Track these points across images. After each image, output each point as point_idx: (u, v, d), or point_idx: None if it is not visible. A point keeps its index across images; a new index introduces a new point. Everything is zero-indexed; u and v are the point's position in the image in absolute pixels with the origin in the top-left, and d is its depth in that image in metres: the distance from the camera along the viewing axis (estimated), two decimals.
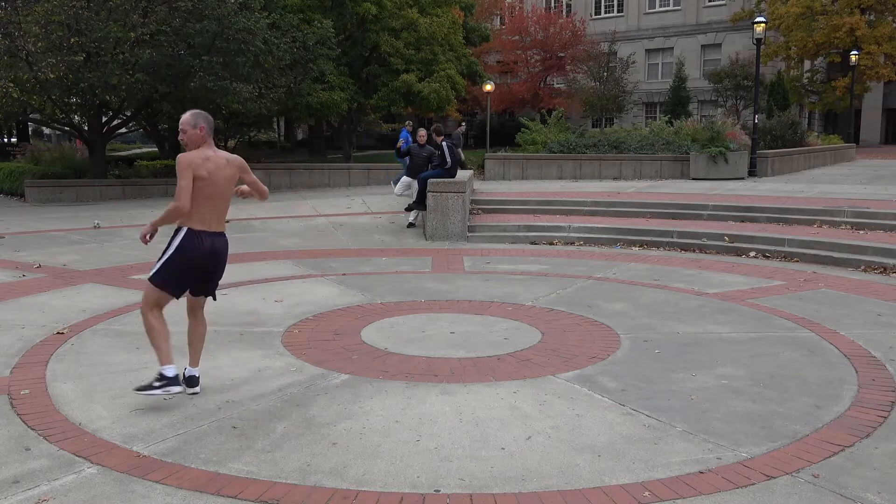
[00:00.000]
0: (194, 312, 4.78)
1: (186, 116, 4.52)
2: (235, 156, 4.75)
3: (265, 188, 4.96)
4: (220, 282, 8.37)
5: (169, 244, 4.48)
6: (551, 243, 11.71)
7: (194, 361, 4.76)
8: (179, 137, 4.55)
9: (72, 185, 18.89)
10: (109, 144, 24.34)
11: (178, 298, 4.61)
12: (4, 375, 5.12)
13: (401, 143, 17.71)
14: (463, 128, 21.32)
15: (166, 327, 4.57)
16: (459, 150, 18.20)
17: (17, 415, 4.42)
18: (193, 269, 4.52)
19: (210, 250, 4.52)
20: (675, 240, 11.28)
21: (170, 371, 4.47)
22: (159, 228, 4.55)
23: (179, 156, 4.40)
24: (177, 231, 4.48)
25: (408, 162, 13.84)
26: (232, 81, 17.38)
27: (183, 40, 16.94)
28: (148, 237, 4.52)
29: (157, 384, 4.46)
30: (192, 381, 4.69)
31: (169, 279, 4.47)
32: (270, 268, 9.38)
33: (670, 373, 5.21)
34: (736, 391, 4.83)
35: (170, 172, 22.06)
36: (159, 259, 4.50)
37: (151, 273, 4.50)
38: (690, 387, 4.92)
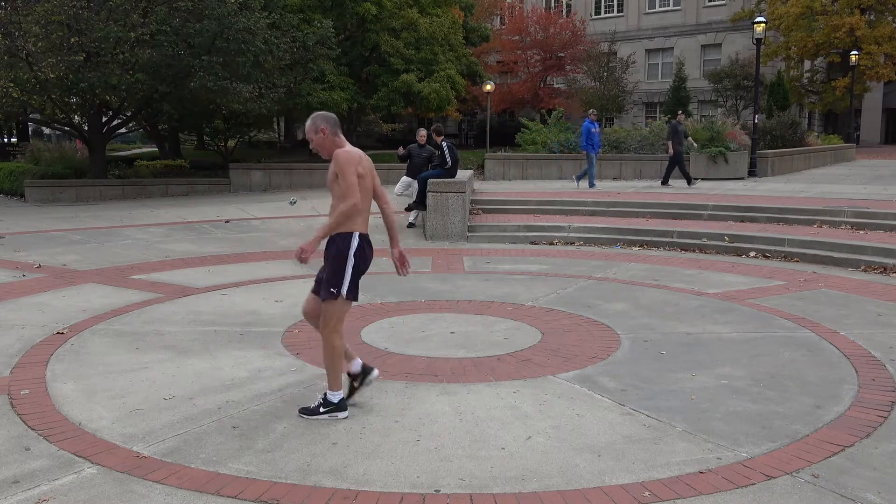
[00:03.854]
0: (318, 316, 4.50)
1: (308, 125, 4.29)
2: None
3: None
4: (221, 281, 8.42)
5: (346, 249, 4.21)
6: (551, 243, 11.71)
7: (351, 356, 4.58)
8: (312, 148, 4.34)
9: (72, 185, 18.89)
10: (109, 144, 24.33)
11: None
12: (4, 375, 5.12)
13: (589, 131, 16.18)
14: (681, 117, 16.99)
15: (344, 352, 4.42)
16: (689, 139, 16.23)
17: (17, 415, 4.41)
18: (363, 271, 4.34)
19: (371, 255, 4.38)
20: (675, 240, 11.28)
21: (337, 397, 4.35)
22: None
23: (339, 152, 4.16)
24: (341, 237, 4.22)
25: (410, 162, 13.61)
26: (232, 81, 17.39)
27: (183, 40, 16.95)
28: (306, 257, 4.11)
29: (323, 410, 4.34)
30: (367, 370, 4.57)
31: (356, 287, 4.30)
32: (270, 268, 9.38)
33: (670, 373, 5.21)
34: (736, 391, 4.83)
35: (170, 172, 22.09)
36: (341, 272, 4.20)
37: (344, 288, 4.21)
38: (690, 387, 4.92)
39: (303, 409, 4.41)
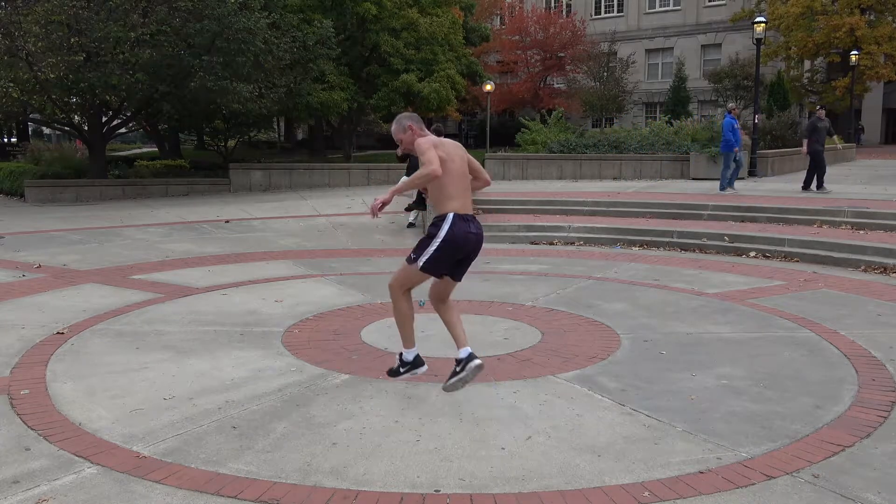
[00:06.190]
0: (443, 300, 4.58)
1: (394, 127, 4.43)
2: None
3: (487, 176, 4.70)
4: (221, 281, 8.41)
5: (438, 229, 4.28)
6: (551, 243, 11.71)
7: (463, 341, 4.49)
8: (400, 150, 4.46)
9: (72, 185, 18.90)
10: (109, 144, 24.33)
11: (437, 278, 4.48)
12: (4, 375, 5.12)
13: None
14: (822, 112, 15.15)
15: (413, 311, 4.50)
16: (834, 137, 14.41)
17: (17, 415, 4.41)
18: (457, 253, 4.35)
19: (476, 233, 4.38)
20: (675, 240, 11.28)
21: (410, 355, 4.47)
22: (393, 198, 4.34)
23: (414, 141, 4.29)
24: (441, 218, 4.30)
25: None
26: (232, 81, 17.39)
27: (183, 40, 16.95)
28: (380, 207, 4.26)
29: (402, 370, 4.49)
30: (471, 357, 4.42)
31: (436, 265, 4.33)
32: (270, 268, 9.38)
33: (670, 373, 5.21)
34: (736, 391, 4.83)
35: (170, 172, 22.10)
36: (426, 245, 4.29)
37: (421, 260, 4.29)
38: (690, 387, 4.92)
39: (389, 370, 4.57)
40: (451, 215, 4.27)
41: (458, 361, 4.41)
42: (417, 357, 4.51)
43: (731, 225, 11.82)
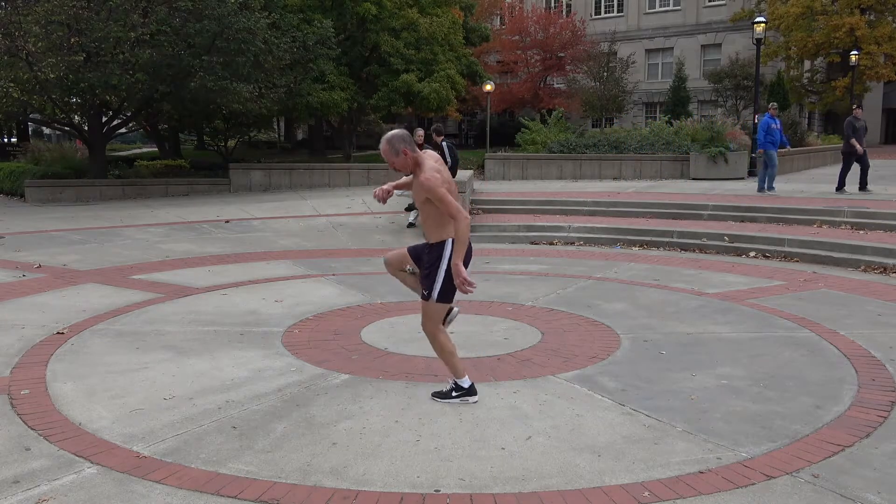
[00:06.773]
0: (401, 268, 4.77)
1: (384, 147, 4.32)
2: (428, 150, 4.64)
3: None
4: (221, 281, 8.41)
5: (439, 258, 4.39)
6: (551, 243, 11.71)
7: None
8: (392, 168, 4.40)
9: (72, 185, 18.90)
10: (109, 144, 24.33)
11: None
12: (4, 375, 5.12)
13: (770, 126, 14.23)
14: (858, 112, 14.59)
15: (453, 344, 4.64)
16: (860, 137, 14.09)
17: (17, 415, 4.41)
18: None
19: (469, 253, 4.48)
20: (675, 240, 11.28)
21: (466, 382, 4.61)
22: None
23: (424, 180, 4.22)
24: (441, 244, 4.39)
25: None
26: (232, 81, 17.39)
27: (183, 40, 16.95)
28: (467, 278, 4.29)
29: (455, 394, 4.62)
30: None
31: (448, 292, 4.47)
32: (270, 268, 9.38)
33: (670, 373, 5.21)
34: (736, 391, 4.83)
35: (170, 172, 22.09)
36: (433, 277, 4.40)
37: (434, 293, 4.42)
38: (690, 387, 4.92)
39: (435, 392, 4.70)
40: (450, 241, 4.37)
41: (459, 387, 4.61)
42: (472, 386, 4.63)
43: (730, 225, 11.83)
